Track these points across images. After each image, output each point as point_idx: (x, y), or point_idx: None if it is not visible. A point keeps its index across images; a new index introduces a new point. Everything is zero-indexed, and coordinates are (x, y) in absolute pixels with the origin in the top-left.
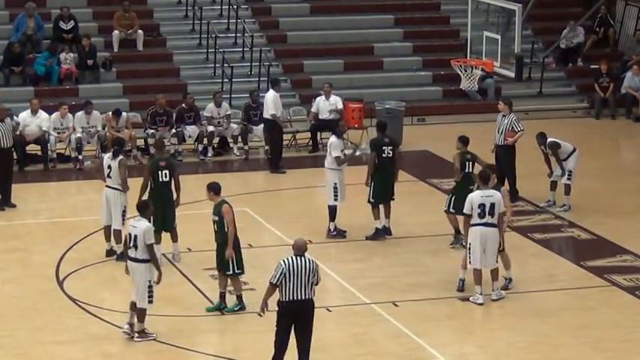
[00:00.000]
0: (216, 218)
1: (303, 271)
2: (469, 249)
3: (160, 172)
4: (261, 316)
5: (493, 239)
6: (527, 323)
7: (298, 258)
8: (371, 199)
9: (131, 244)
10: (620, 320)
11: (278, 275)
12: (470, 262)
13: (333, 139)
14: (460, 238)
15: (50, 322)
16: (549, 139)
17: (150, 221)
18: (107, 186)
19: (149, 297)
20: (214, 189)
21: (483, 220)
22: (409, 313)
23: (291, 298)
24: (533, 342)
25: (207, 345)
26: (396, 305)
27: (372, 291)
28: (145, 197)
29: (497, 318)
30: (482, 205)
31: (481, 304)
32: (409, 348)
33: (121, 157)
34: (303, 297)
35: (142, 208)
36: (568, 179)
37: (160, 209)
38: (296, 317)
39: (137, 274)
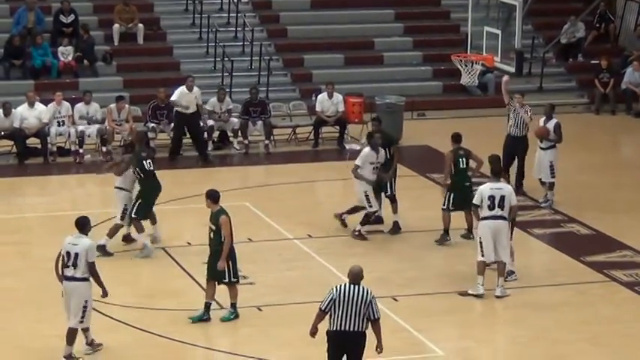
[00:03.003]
0: (214, 227)
1: (355, 300)
2: (481, 243)
3: (144, 162)
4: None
5: (504, 232)
6: (526, 318)
7: (352, 286)
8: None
9: (69, 263)
10: (619, 315)
11: (327, 302)
12: (482, 255)
13: (366, 150)
14: (446, 238)
15: (50, 316)
16: (557, 121)
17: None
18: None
19: (82, 317)
20: (213, 197)
21: (492, 213)
22: (409, 308)
23: (338, 328)
24: (532, 337)
25: (206, 339)
26: (395, 300)
27: (371, 286)
28: (137, 189)
29: (496, 313)
30: (491, 197)
31: (482, 295)
32: (409, 343)
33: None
34: (352, 328)
35: (83, 225)
36: (552, 177)
37: (152, 199)
38: (344, 349)
39: (76, 294)
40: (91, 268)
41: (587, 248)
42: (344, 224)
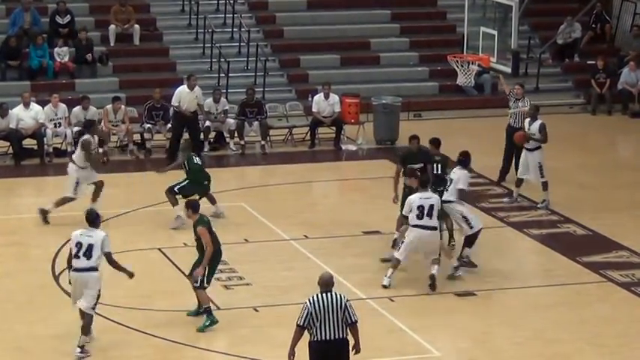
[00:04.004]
0: (196, 237)
1: (331, 308)
2: (404, 242)
3: (194, 158)
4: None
5: (432, 242)
6: (523, 318)
7: (325, 295)
8: None
9: (80, 254)
10: (616, 316)
11: (304, 316)
12: (398, 250)
13: (465, 172)
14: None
15: (46, 317)
16: (542, 122)
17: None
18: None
19: (94, 304)
20: (192, 207)
21: (421, 222)
22: (405, 308)
23: (321, 338)
24: (529, 337)
25: (202, 340)
26: (392, 300)
27: (368, 286)
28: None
29: (493, 313)
30: (421, 207)
31: (385, 287)
32: (405, 343)
33: (84, 136)
34: (334, 336)
35: (93, 219)
36: (542, 177)
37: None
38: (329, 357)
39: (89, 284)
40: (109, 257)
41: (583, 249)
42: (473, 264)
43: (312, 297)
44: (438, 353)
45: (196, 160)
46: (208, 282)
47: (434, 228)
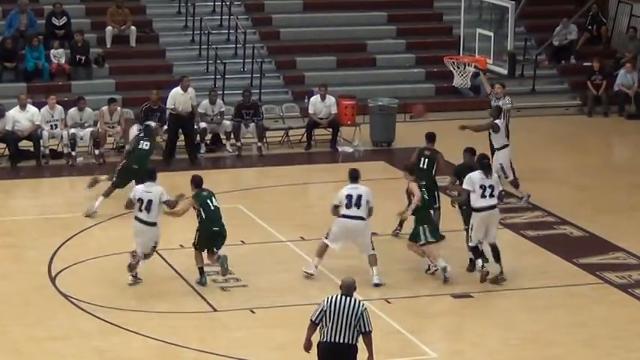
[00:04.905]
0: None
1: (346, 312)
2: (331, 230)
3: (141, 142)
4: (308, 352)
5: (360, 231)
6: (519, 320)
7: (344, 298)
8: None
9: (142, 208)
10: (612, 317)
11: (318, 313)
12: (326, 238)
13: (494, 176)
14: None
15: (43, 319)
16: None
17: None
18: None
19: (151, 252)
20: (194, 183)
21: (349, 212)
22: (402, 310)
23: (328, 339)
24: (525, 339)
25: (198, 342)
26: (388, 302)
27: (364, 288)
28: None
29: (489, 315)
30: (349, 197)
31: (311, 275)
32: (402, 345)
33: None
34: (342, 340)
35: (152, 173)
36: (506, 177)
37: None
38: None
39: (148, 236)
40: (167, 203)
41: (580, 250)
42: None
43: (330, 296)
44: (434, 355)
45: (143, 144)
46: (200, 248)
47: (361, 218)
